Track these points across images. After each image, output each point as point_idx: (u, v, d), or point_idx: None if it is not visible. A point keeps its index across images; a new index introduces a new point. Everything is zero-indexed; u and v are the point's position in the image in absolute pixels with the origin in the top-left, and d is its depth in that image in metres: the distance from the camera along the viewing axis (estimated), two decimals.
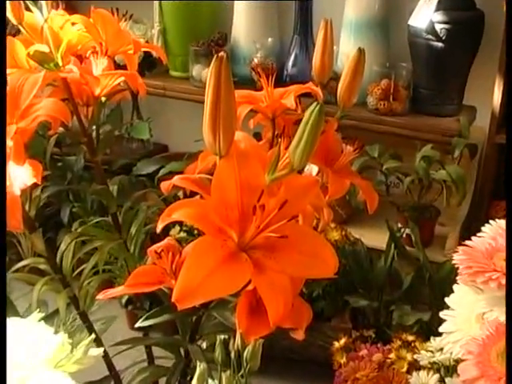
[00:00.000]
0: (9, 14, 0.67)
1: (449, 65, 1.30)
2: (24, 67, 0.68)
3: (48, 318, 0.71)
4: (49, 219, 1.27)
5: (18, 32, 0.70)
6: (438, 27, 1.26)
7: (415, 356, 0.72)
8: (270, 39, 1.47)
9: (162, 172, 1.28)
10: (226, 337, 0.54)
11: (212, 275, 0.44)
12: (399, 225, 1.35)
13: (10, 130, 0.58)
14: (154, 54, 1.38)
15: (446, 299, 0.59)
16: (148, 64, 1.52)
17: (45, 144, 0.86)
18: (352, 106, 0.72)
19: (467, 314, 0.57)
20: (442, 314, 0.59)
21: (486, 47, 1.29)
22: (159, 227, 0.48)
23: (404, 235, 1.33)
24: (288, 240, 0.48)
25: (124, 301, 1.28)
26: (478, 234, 0.59)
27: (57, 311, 0.74)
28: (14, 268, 0.74)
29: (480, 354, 0.51)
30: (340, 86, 0.70)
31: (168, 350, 0.71)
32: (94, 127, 0.74)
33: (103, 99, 0.72)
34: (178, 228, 1.23)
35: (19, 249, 0.77)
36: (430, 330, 0.97)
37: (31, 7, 0.67)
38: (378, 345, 0.89)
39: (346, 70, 0.69)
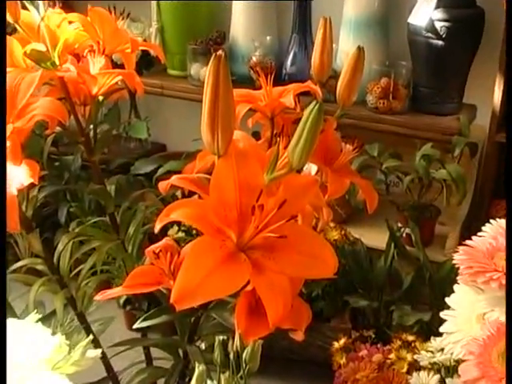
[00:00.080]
0: None
1: (449, 63, 1.29)
2: (21, 66, 0.68)
3: (45, 319, 0.71)
4: (46, 219, 1.27)
5: (15, 31, 0.70)
6: (438, 25, 1.26)
7: (415, 356, 0.72)
8: (268, 38, 1.47)
9: (160, 171, 1.28)
10: (225, 337, 0.54)
11: (211, 276, 0.44)
12: (399, 224, 1.35)
13: (7, 129, 0.58)
14: (152, 52, 1.38)
15: (447, 299, 0.59)
16: (146, 63, 1.52)
17: (42, 144, 0.86)
18: (351, 105, 0.71)
19: (468, 314, 0.57)
20: (442, 314, 0.58)
21: (487, 45, 1.29)
22: (157, 227, 0.47)
23: (404, 235, 1.33)
24: (287, 240, 0.48)
25: (122, 301, 1.27)
26: (479, 234, 0.59)
27: (54, 312, 0.74)
28: (11, 268, 0.74)
29: (481, 355, 0.51)
30: (339, 84, 0.70)
31: (166, 351, 0.71)
32: (92, 126, 0.74)
33: (101, 98, 0.72)
34: (176, 228, 1.22)
35: (16, 249, 0.77)
36: (430, 330, 0.97)
37: (28, 6, 0.67)
38: (378, 345, 0.89)
39: (345, 68, 0.69)
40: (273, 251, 0.48)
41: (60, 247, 0.74)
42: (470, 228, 1.29)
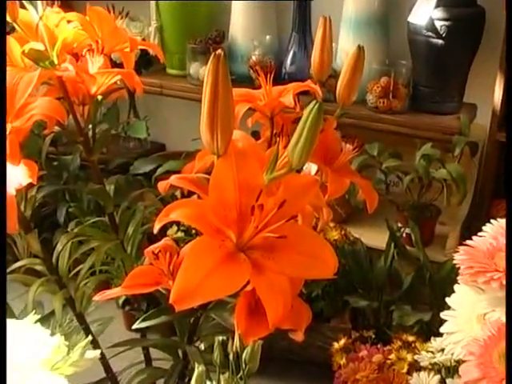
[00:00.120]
0: None
1: (449, 62, 1.29)
2: (19, 65, 0.68)
3: (44, 320, 0.70)
4: (45, 219, 1.27)
5: (13, 30, 0.69)
6: (438, 24, 1.26)
7: (416, 357, 0.72)
8: (268, 37, 1.46)
9: (159, 171, 1.28)
10: (225, 338, 0.54)
11: (210, 276, 0.44)
12: (399, 224, 1.35)
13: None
14: (151, 51, 1.37)
15: (447, 299, 0.59)
16: (145, 62, 1.51)
17: (40, 143, 0.86)
18: (351, 104, 0.71)
19: (468, 315, 0.57)
20: (442, 315, 0.58)
21: (487, 44, 1.29)
22: (156, 227, 0.47)
23: (404, 234, 1.33)
24: (287, 240, 0.48)
25: (121, 302, 1.27)
26: (479, 234, 0.58)
27: (53, 312, 0.74)
28: (9, 269, 0.74)
29: (482, 355, 0.51)
30: (339, 83, 0.69)
31: (166, 352, 0.71)
32: (91, 126, 0.74)
33: (99, 98, 0.72)
34: (175, 228, 1.22)
35: (15, 249, 0.77)
36: (430, 330, 0.97)
37: (26, 5, 0.67)
38: (378, 345, 0.89)
39: (345, 67, 0.69)
40: (272, 251, 0.48)
41: (59, 247, 0.74)
42: (471, 228, 1.29)
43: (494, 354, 0.50)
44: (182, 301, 0.43)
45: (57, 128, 0.69)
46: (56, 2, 0.73)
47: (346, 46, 1.36)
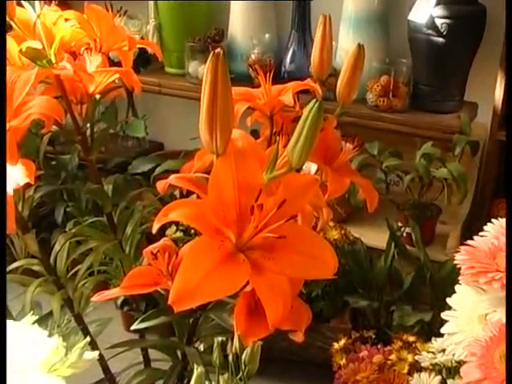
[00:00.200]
0: None
1: (449, 60, 1.29)
2: (16, 64, 0.68)
3: (42, 321, 0.70)
4: (42, 219, 1.27)
5: (10, 28, 0.69)
6: (439, 22, 1.25)
7: (416, 357, 0.72)
8: (267, 35, 1.46)
9: (157, 170, 1.27)
10: (224, 339, 0.54)
11: (209, 276, 0.44)
12: (399, 223, 1.35)
13: None
14: (150, 50, 1.37)
15: (448, 300, 0.59)
16: (143, 60, 1.51)
17: (38, 143, 0.85)
18: (351, 103, 0.71)
19: (470, 315, 0.56)
20: (443, 315, 0.58)
21: (488, 42, 1.28)
22: (155, 227, 0.47)
23: (404, 234, 1.33)
24: (287, 240, 0.47)
25: (119, 302, 1.27)
26: (481, 233, 0.58)
27: (51, 313, 0.73)
28: (7, 269, 0.73)
29: (483, 356, 0.50)
30: (339, 82, 0.69)
31: (165, 353, 0.71)
32: (89, 125, 0.73)
33: (97, 96, 0.71)
34: (174, 228, 1.22)
35: (12, 250, 0.76)
36: (431, 330, 0.97)
37: (23, 3, 0.66)
38: (379, 346, 0.88)
39: (345, 66, 0.69)
40: (272, 251, 0.47)
41: (57, 247, 0.74)
42: (471, 227, 1.28)
43: (495, 355, 0.50)
44: (181, 301, 0.43)
45: (54, 127, 0.68)
46: (53, 1, 0.73)
47: (345, 44, 1.36)
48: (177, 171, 0.59)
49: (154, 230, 0.47)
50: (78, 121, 0.72)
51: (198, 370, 0.50)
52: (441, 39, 1.26)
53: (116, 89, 0.75)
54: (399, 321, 1.10)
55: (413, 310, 1.12)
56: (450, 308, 0.58)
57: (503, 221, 0.58)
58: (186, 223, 0.59)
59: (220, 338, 0.53)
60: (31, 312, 0.58)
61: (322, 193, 0.61)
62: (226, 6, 1.51)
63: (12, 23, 0.67)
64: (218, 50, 0.47)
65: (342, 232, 1.27)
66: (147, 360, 0.83)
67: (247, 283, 0.46)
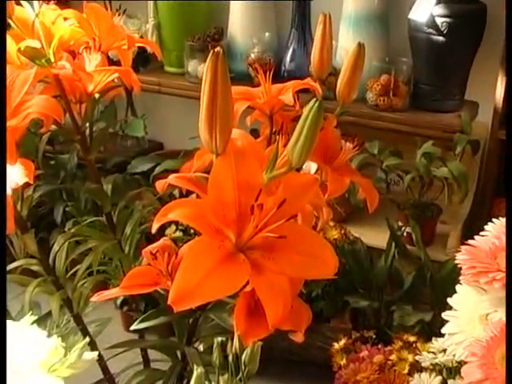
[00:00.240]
0: None
1: (450, 59, 1.28)
2: (15, 63, 0.67)
3: (41, 321, 0.70)
4: (41, 219, 1.26)
5: (9, 27, 0.69)
6: (439, 21, 1.25)
7: (417, 357, 0.71)
8: (267, 34, 1.46)
9: (157, 170, 1.27)
10: (224, 339, 0.53)
11: (209, 276, 0.44)
12: (400, 223, 1.35)
13: None
14: (149, 49, 1.37)
15: (449, 300, 0.58)
16: (142, 60, 1.51)
17: (37, 142, 0.85)
18: (351, 102, 0.70)
19: (470, 315, 0.56)
20: (444, 315, 0.58)
21: (489, 41, 1.28)
22: (155, 227, 0.47)
23: (405, 234, 1.33)
24: (287, 240, 0.47)
25: (119, 302, 1.27)
26: (482, 233, 0.58)
27: (50, 313, 0.73)
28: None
29: (484, 356, 0.50)
30: (339, 81, 0.69)
31: (164, 353, 0.71)
32: (88, 124, 0.73)
33: (97, 96, 0.71)
34: (173, 227, 1.22)
35: (11, 250, 0.76)
36: (431, 330, 0.96)
37: (22, 2, 0.66)
38: (379, 346, 0.88)
39: (345, 65, 0.68)
40: (272, 251, 0.47)
41: (56, 247, 0.74)
42: (472, 227, 1.28)
43: (496, 355, 0.50)
44: (181, 301, 0.43)
45: (53, 126, 0.68)
46: (52, 0, 0.73)
47: (345, 43, 1.35)
48: (176, 171, 0.59)
49: (154, 230, 0.47)
50: (77, 120, 0.72)
51: (197, 371, 0.50)
52: (441, 38, 1.26)
53: (115, 88, 0.75)
54: (400, 321, 1.10)
55: (413, 309, 1.12)
56: (450, 308, 0.58)
57: (504, 220, 0.58)
58: (186, 223, 0.59)
59: (220, 339, 0.53)
60: (30, 312, 0.58)
61: (322, 192, 0.61)
62: (226, 5, 1.51)
63: (10, 22, 0.67)
64: (218, 48, 0.46)
65: (342, 232, 1.27)
66: (147, 360, 0.83)
67: (247, 283, 0.45)
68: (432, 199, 1.32)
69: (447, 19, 1.25)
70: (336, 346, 0.94)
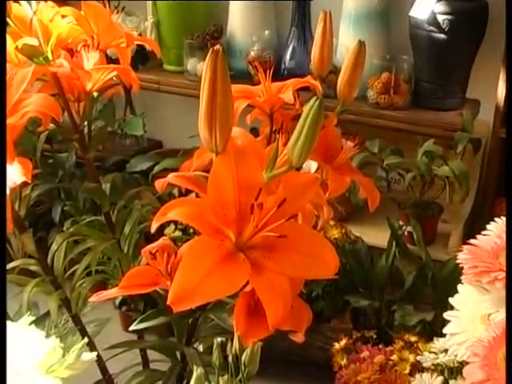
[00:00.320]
0: None
1: (451, 57, 1.28)
2: (12, 61, 0.67)
3: (39, 321, 0.70)
4: (39, 218, 1.26)
5: (7, 25, 0.68)
6: (440, 18, 1.25)
7: (418, 357, 0.71)
8: (266, 32, 1.45)
9: (156, 169, 1.27)
10: (224, 339, 0.53)
11: (209, 276, 0.44)
12: (401, 222, 1.34)
13: None
14: (148, 47, 1.36)
15: (451, 299, 0.58)
16: (141, 58, 1.50)
17: (35, 141, 0.85)
18: (352, 100, 0.70)
19: (472, 315, 0.56)
20: (446, 315, 0.58)
21: (490, 38, 1.28)
22: (154, 227, 0.47)
23: (406, 233, 1.32)
24: (287, 240, 0.47)
25: (118, 302, 1.27)
26: (483, 232, 0.58)
27: (48, 313, 0.73)
28: None
29: (486, 357, 0.50)
30: (340, 79, 0.69)
31: (164, 353, 0.71)
32: (86, 123, 0.73)
33: (95, 94, 0.71)
34: (172, 226, 1.21)
35: (9, 249, 0.76)
36: (433, 330, 0.96)
37: None
38: (380, 346, 0.88)
39: (345, 63, 0.68)
40: (272, 251, 0.47)
41: (54, 247, 0.74)
42: (474, 226, 1.28)
43: (498, 356, 0.49)
44: (181, 302, 0.43)
45: (52, 125, 0.68)
46: None
47: (346, 40, 1.35)
48: (176, 170, 0.58)
49: (153, 230, 0.47)
50: (75, 119, 0.72)
51: (197, 371, 0.50)
52: (442, 35, 1.26)
53: (114, 86, 0.74)
54: (401, 320, 1.10)
55: (414, 309, 1.12)
56: (452, 308, 0.58)
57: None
58: (185, 222, 0.59)
59: (219, 339, 0.53)
60: (28, 312, 0.58)
61: (323, 191, 0.61)
62: (225, 4, 1.51)
63: (8, 20, 0.67)
64: (218, 46, 0.46)
65: (343, 231, 1.26)
66: (146, 361, 0.82)
67: (247, 283, 0.45)
68: (433, 198, 1.32)
69: (448, 16, 1.24)
70: (337, 346, 0.93)
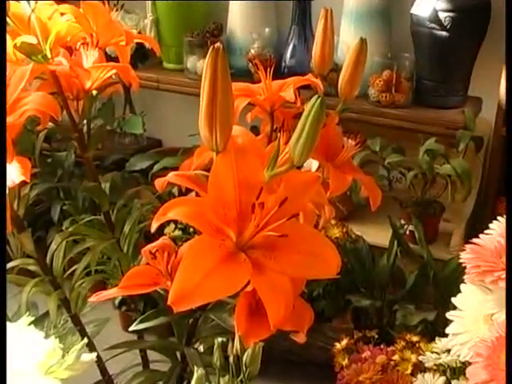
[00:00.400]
0: None
1: (453, 54, 1.28)
2: (11, 59, 0.66)
3: (38, 321, 0.69)
4: (38, 218, 1.26)
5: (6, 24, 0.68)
6: (442, 15, 1.24)
7: (420, 357, 0.71)
8: (267, 29, 1.45)
9: (155, 168, 1.26)
10: (225, 340, 0.53)
11: (209, 276, 0.43)
12: (402, 221, 1.34)
13: None
14: (147, 45, 1.36)
15: (453, 299, 0.58)
16: (141, 56, 1.50)
17: (34, 140, 0.85)
18: (353, 99, 0.69)
19: (475, 315, 0.56)
20: (448, 315, 0.57)
21: (493, 35, 1.27)
22: (154, 226, 0.46)
23: (407, 232, 1.32)
24: (288, 239, 0.47)
25: (117, 302, 1.26)
26: (486, 232, 0.57)
27: (47, 314, 0.73)
28: None
29: (489, 357, 0.50)
30: (341, 77, 0.68)
31: (164, 354, 0.70)
32: (85, 122, 0.73)
33: (94, 93, 0.71)
34: (172, 226, 1.21)
35: (8, 249, 0.75)
36: (435, 330, 0.96)
37: None
38: (381, 346, 0.87)
39: (347, 61, 0.68)
40: (273, 250, 0.47)
41: (53, 247, 0.73)
42: (476, 225, 1.27)
43: (501, 356, 0.49)
44: (181, 302, 0.43)
45: (50, 124, 0.67)
46: None
47: (347, 38, 1.34)
48: (175, 168, 0.58)
49: (153, 229, 0.46)
50: (74, 117, 0.71)
51: (197, 372, 0.50)
52: (444, 33, 1.25)
53: (113, 85, 0.74)
54: (402, 320, 1.09)
55: (416, 309, 1.12)
56: (454, 307, 0.58)
57: None
58: (186, 222, 0.59)
59: (220, 339, 0.53)
60: (27, 313, 0.57)
61: (324, 190, 0.61)
62: (225, 4, 1.50)
63: (6, 17, 0.66)
64: (218, 44, 0.46)
65: (344, 230, 1.26)
66: (146, 361, 0.82)
67: (248, 283, 0.45)
68: (435, 197, 1.32)
69: (450, 14, 1.24)
70: (338, 346, 0.93)
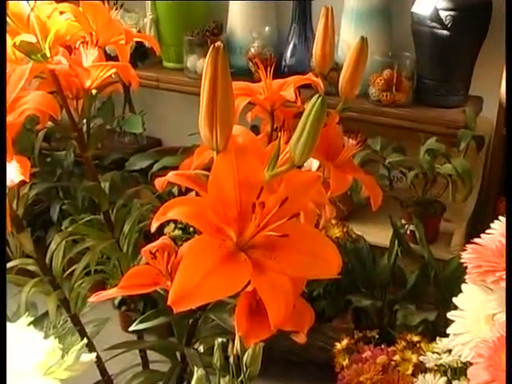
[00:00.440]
0: None
1: (454, 54, 1.27)
2: (10, 58, 0.66)
3: (38, 321, 0.69)
4: (38, 217, 1.26)
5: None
6: (443, 14, 1.24)
7: (421, 358, 0.71)
8: (267, 28, 1.45)
9: (155, 167, 1.26)
10: (225, 340, 0.53)
11: (210, 276, 0.43)
12: (403, 221, 1.34)
13: None
14: (147, 44, 1.36)
15: (454, 299, 0.58)
16: (140, 55, 1.50)
17: (33, 139, 0.84)
18: (353, 98, 0.69)
19: (477, 315, 0.56)
20: (450, 315, 0.57)
21: (494, 34, 1.27)
22: (154, 226, 0.46)
23: (408, 232, 1.32)
24: (289, 239, 0.47)
25: (117, 302, 1.26)
26: (487, 231, 0.57)
27: (47, 314, 0.72)
28: None
29: (491, 357, 0.49)
30: (342, 76, 0.68)
31: (163, 354, 0.70)
32: (85, 121, 0.73)
33: (94, 92, 0.71)
34: (172, 225, 1.21)
35: (7, 249, 0.75)
36: (435, 330, 0.96)
37: None
38: (382, 346, 0.87)
39: (347, 60, 0.68)
40: (274, 250, 0.47)
41: (52, 246, 0.73)
42: (477, 225, 1.27)
43: (503, 356, 0.49)
44: (181, 302, 0.43)
45: (50, 123, 0.67)
46: None
47: (347, 37, 1.34)
48: (175, 168, 0.58)
49: (153, 229, 0.46)
50: (73, 116, 0.71)
51: (197, 373, 0.50)
52: (445, 32, 1.25)
53: (113, 84, 0.74)
54: (403, 320, 1.09)
55: (417, 309, 1.11)
56: (454, 307, 0.58)
57: None
58: (186, 221, 0.59)
59: (220, 339, 0.53)
60: (27, 313, 0.57)
61: (325, 190, 0.61)
62: (225, 4, 1.50)
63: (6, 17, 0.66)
64: (218, 43, 0.46)
65: (345, 230, 1.26)
66: (145, 361, 0.82)
67: (248, 283, 0.45)
68: (436, 196, 1.32)
69: (451, 13, 1.23)
70: (338, 346, 0.93)
